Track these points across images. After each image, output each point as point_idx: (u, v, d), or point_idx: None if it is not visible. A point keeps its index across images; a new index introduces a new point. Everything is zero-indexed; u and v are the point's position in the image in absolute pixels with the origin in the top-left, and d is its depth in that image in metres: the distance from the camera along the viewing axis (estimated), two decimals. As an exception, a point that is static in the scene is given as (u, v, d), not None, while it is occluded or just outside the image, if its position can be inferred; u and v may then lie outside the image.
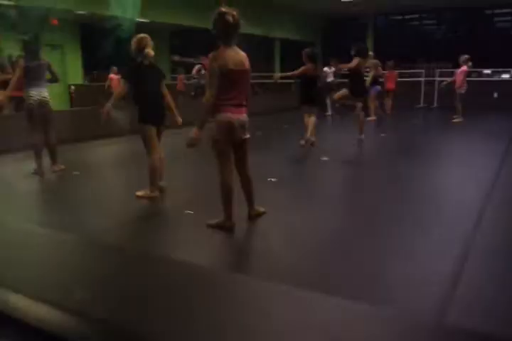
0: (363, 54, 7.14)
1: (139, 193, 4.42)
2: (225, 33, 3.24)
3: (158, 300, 0.55)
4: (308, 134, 6.90)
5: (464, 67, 9.87)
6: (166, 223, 3.91)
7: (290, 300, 0.52)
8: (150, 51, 4.31)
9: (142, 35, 4.35)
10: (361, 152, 7.12)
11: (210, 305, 0.53)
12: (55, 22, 9.55)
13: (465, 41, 15.94)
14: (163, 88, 4.47)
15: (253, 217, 3.68)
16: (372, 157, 7.01)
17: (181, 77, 13.44)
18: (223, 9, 3.21)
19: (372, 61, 10.25)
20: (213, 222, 3.51)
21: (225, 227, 3.46)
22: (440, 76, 14.36)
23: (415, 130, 9.80)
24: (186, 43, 18.56)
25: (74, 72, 13.82)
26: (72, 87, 13.65)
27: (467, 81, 10.05)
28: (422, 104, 14.39)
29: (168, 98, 4.50)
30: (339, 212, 4.19)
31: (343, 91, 7.33)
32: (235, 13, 3.23)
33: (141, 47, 4.27)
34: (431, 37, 17.65)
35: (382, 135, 8.70)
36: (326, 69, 10.98)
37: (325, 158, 6.34)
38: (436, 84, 13.93)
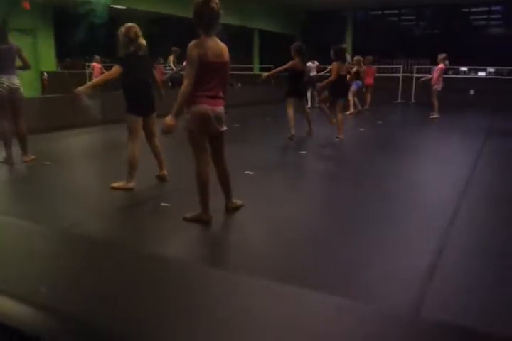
0: (341, 57, 7.22)
1: (115, 184, 4.34)
2: (208, 21, 3.14)
3: (132, 295, 0.52)
4: (310, 126, 7.31)
5: (441, 65, 10.11)
6: (142, 216, 3.82)
7: (269, 294, 0.51)
8: (143, 41, 4.27)
9: (130, 24, 4.28)
10: (339, 146, 7.14)
11: (187, 299, 0.51)
12: (27, 5, 9.19)
13: (442, 38, 16.16)
14: (152, 76, 4.55)
15: (230, 209, 3.64)
16: (350, 152, 7.03)
17: (159, 66, 13.21)
18: None
19: (356, 57, 10.86)
20: (190, 215, 3.46)
21: (202, 220, 3.41)
22: (417, 72, 14.55)
23: (393, 125, 9.91)
24: (165, 32, 18.27)
25: (46, 59, 13.41)
26: (45, 74, 13.25)
27: (444, 78, 10.28)
28: (399, 100, 14.56)
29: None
30: (315, 207, 4.16)
31: (325, 94, 7.48)
32: (217, 1, 3.14)
33: (131, 36, 4.20)
34: (409, 33, 17.82)
35: (361, 130, 8.75)
36: (309, 63, 11.06)
37: (303, 152, 6.33)
38: (414, 80, 14.12)
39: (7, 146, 5.29)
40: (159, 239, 3.27)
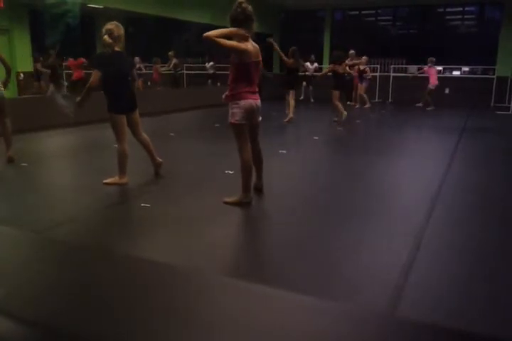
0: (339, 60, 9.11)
1: (108, 180, 4.42)
2: (247, 26, 3.58)
3: (109, 299, 0.51)
4: (291, 113, 8.96)
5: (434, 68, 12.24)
6: (119, 217, 3.78)
7: (250, 296, 0.50)
8: (106, 38, 4.22)
9: (112, 22, 4.29)
10: (319, 145, 7.18)
11: (167, 301, 0.50)
12: (1, 4, 8.98)
13: (418, 38, 16.39)
14: (133, 75, 4.58)
15: (260, 188, 4.12)
16: (330, 151, 7.09)
17: (157, 67, 13.00)
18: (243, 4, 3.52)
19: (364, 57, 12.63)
20: (231, 199, 3.76)
21: (244, 203, 3.73)
22: (394, 72, 14.73)
23: (372, 123, 10.04)
24: (142, 31, 18.09)
25: (22, 59, 13.14)
26: (21, 75, 12.98)
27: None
28: (377, 99, 14.71)
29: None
30: (293, 207, 4.13)
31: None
32: (251, 8, 3.59)
33: (113, 34, 4.23)
34: (386, 33, 18.02)
35: (339, 129, 8.81)
36: (307, 64, 13.39)
37: (283, 151, 6.35)
38: (391, 79, 14.29)
39: None
40: (136, 241, 3.24)
